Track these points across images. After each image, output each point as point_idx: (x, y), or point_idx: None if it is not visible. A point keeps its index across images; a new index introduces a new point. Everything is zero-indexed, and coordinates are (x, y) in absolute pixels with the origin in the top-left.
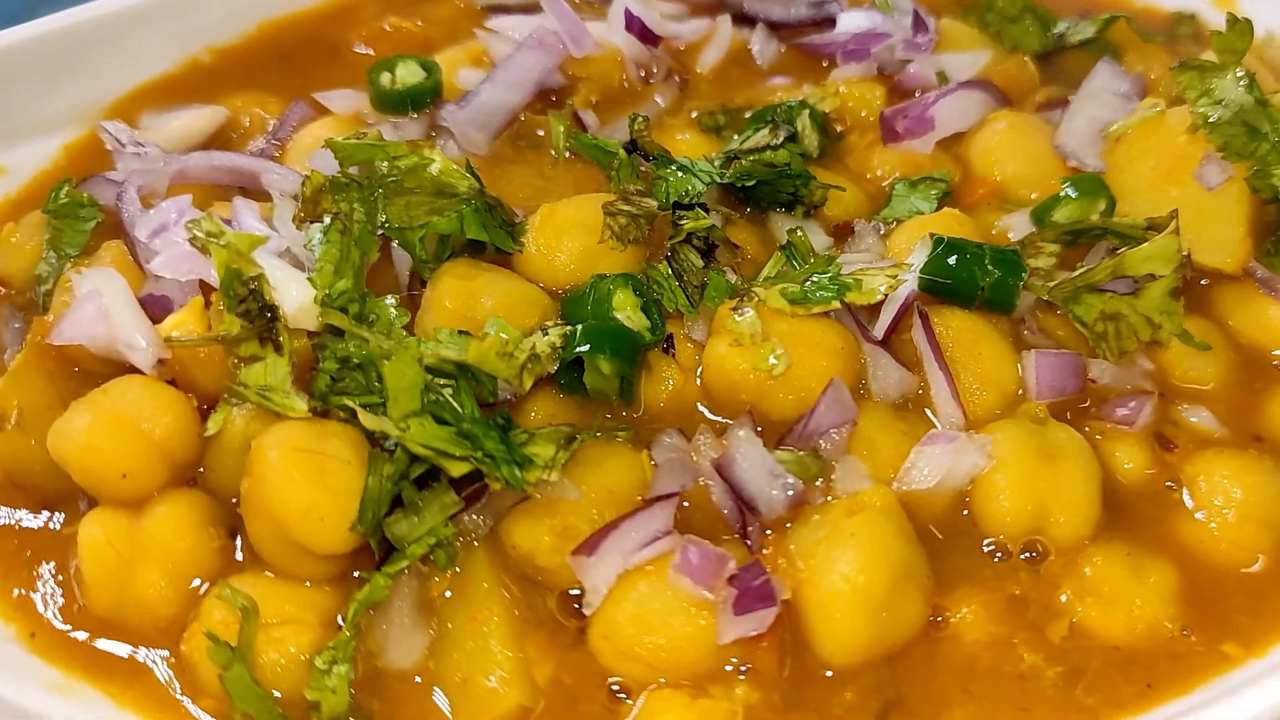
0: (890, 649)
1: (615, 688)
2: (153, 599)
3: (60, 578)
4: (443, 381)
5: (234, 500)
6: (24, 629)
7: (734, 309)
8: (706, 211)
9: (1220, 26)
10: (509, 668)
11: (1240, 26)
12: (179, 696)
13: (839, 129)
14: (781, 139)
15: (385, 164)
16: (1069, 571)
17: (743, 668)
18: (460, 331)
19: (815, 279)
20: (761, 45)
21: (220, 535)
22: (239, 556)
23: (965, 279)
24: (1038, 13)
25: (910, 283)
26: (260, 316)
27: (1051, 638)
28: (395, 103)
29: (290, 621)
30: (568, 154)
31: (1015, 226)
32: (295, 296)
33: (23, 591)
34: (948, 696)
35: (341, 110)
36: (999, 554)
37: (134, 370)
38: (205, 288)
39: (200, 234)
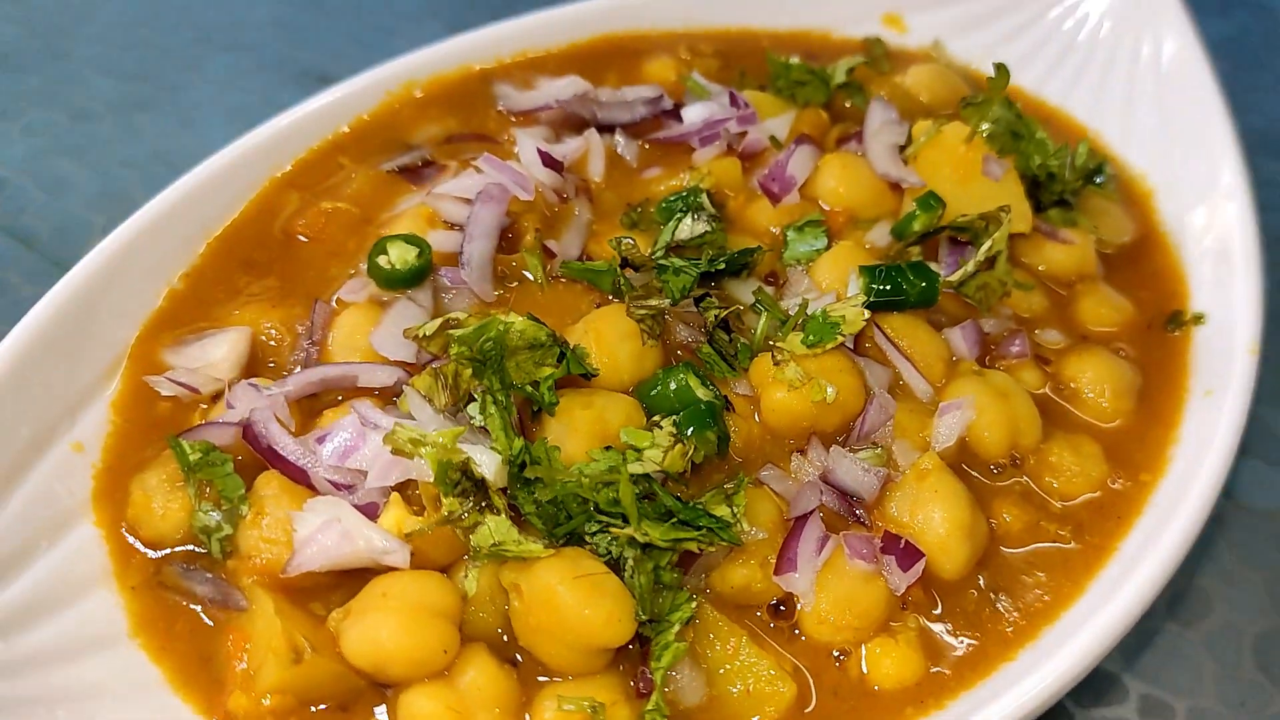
0: (978, 556)
1: (837, 654)
2: None
3: None
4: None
5: (501, 636)
6: None
7: (776, 363)
8: (711, 297)
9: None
10: (774, 670)
11: (1002, 71)
12: None
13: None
14: (712, 225)
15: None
16: (1041, 464)
17: (902, 605)
18: (607, 447)
19: (812, 324)
20: (625, 147)
21: (511, 670)
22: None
23: (900, 291)
24: (817, 74)
25: None
26: (475, 491)
27: (1054, 510)
28: (403, 281)
29: (608, 705)
30: (549, 280)
31: (877, 239)
32: (491, 463)
33: None
34: (1023, 570)
35: (360, 298)
36: (997, 469)
37: (367, 572)
38: None
39: (404, 442)
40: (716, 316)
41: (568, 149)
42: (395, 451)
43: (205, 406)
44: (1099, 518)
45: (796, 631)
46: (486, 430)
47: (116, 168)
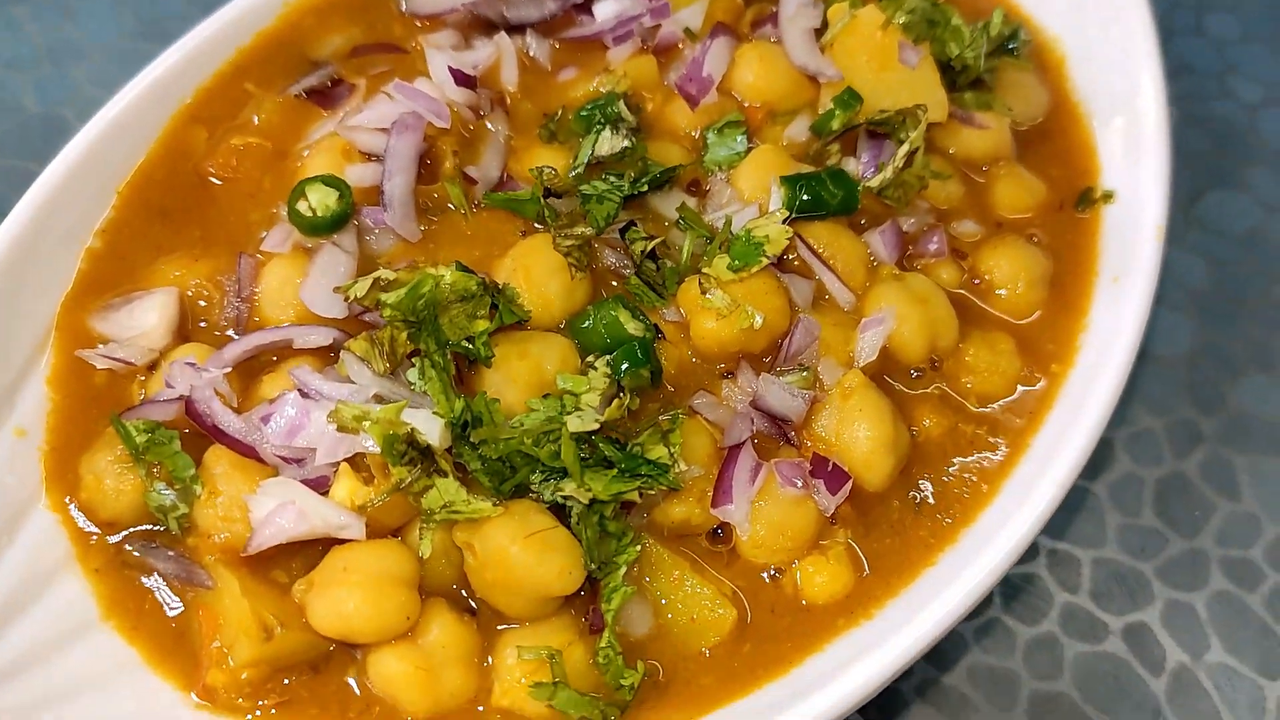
0: (901, 466)
1: (772, 572)
2: (466, 688)
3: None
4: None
5: (457, 589)
6: None
7: (704, 292)
8: (635, 225)
9: None
10: (715, 597)
11: None
12: None
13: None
14: (633, 139)
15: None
16: (958, 366)
17: (831, 521)
18: (545, 395)
19: (737, 246)
20: (537, 48)
21: (470, 619)
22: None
23: (821, 203)
24: None
25: None
26: (421, 458)
27: (971, 410)
28: (325, 227)
29: (564, 647)
30: (472, 210)
31: (796, 134)
32: (434, 429)
33: None
34: (943, 475)
35: (284, 248)
36: (916, 373)
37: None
38: None
39: (349, 419)
40: (643, 250)
41: (479, 57)
42: (340, 429)
43: (143, 378)
44: (1012, 414)
45: (734, 553)
46: (427, 393)
47: (2, 71)
